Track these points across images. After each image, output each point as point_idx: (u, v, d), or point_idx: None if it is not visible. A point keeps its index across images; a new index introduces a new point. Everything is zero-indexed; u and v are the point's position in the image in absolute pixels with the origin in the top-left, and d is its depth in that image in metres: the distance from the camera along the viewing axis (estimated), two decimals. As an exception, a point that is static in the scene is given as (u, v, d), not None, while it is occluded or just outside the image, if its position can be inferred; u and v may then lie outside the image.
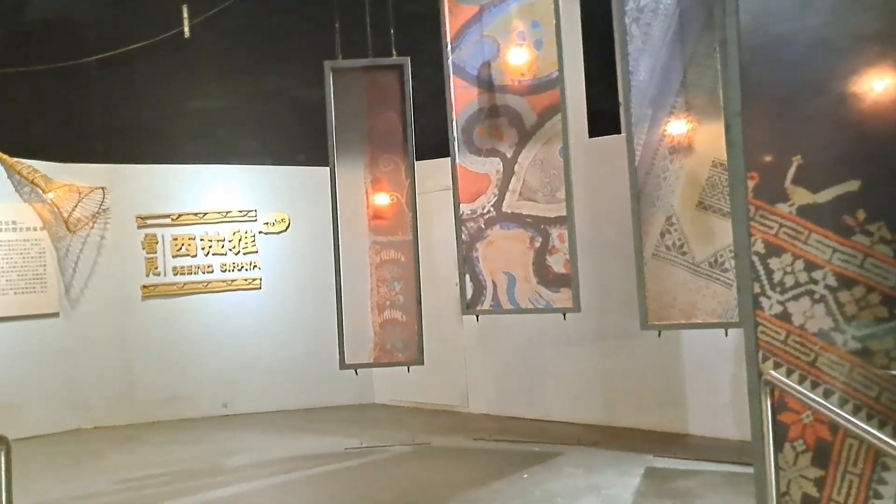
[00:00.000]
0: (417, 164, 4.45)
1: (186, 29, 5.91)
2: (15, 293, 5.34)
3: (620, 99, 3.81)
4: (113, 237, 5.67)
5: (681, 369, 4.39)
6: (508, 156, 4.28)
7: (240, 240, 5.78)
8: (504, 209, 4.28)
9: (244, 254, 5.78)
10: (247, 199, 5.83)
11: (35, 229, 5.45)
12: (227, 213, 5.78)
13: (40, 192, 5.38)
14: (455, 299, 5.40)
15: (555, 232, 4.13)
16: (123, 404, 5.60)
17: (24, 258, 5.39)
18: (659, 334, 3.85)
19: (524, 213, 4.22)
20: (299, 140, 6.28)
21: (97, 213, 5.59)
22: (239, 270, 5.77)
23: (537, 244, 4.19)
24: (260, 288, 5.79)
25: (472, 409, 5.29)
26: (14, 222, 5.36)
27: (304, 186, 5.89)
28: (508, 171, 4.27)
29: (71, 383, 5.50)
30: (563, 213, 4.09)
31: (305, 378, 5.76)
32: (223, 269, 5.75)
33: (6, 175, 5.34)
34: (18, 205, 5.38)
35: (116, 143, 5.96)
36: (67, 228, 5.43)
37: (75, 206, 5.40)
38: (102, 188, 5.53)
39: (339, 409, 5.68)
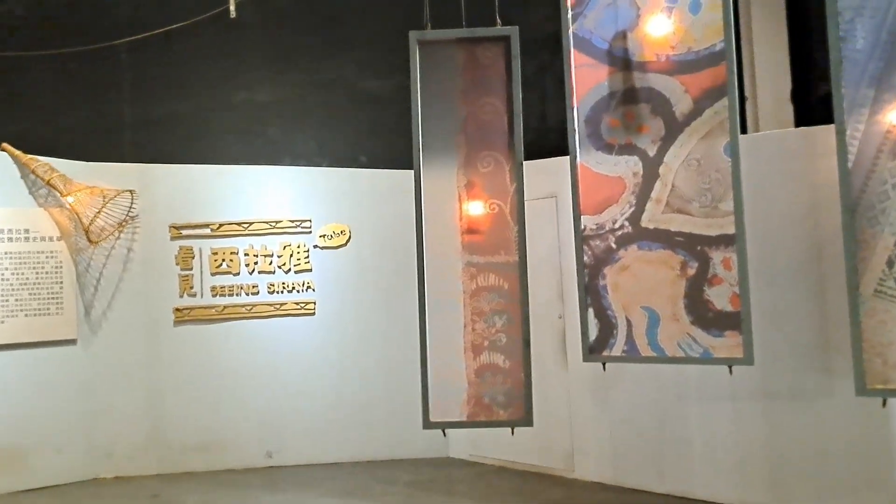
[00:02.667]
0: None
1: (232, 7, 5.01)
2: (26, 315, 4.46)
3: (832, 74, 2.75)
4: (142, 250, 4.77)
5: (890, 443, 3.27)
6: (651, 154, 3.25)
7: (291, 255, 4.84)
8: (644, 224, 3.25)
9: (296, 272, 4.84)
10: (300, 207, 4.89)
11: (51, 239, 4.57)
12: (277, 223, 4.85)
13: (58, 195, 4.51)
14: (559, 335, 4.37)
15: (717, 255, 3.09)
16: (150, 451, 4.68)
17: (37, 273, 4.52)
18: (884, 403, 2.76)
19: (673, 229, 3.19)
20: (363, 138, 5.34)
21: (124, 220, 4.70)
22: (289, 292, 4.82)
23: (691, 271, 3.15)
24: (313, 313, 4.83)
25: (578, 475, 4.23)
26: (27, 231, 4.49)
27: (369, 192, 4.94)
28: (651, 174, 3.25)
29: (89, 424, 4.60)
30: (730, 230, 3.05)
31: (366, 425, 4.78)
32: (270, 291, 4.81)
33: (19, 174, 4.48)
34: (32, 210, 4.51)
35: (149, 139, 5.08)
36: (88, 239, 4.55)
37: (98, 213, 4.51)
38: (131, 191, 4.64)
39: (408, 465, 4.68)
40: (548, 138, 4.59)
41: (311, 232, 4.87)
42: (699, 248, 3.13)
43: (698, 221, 3.14)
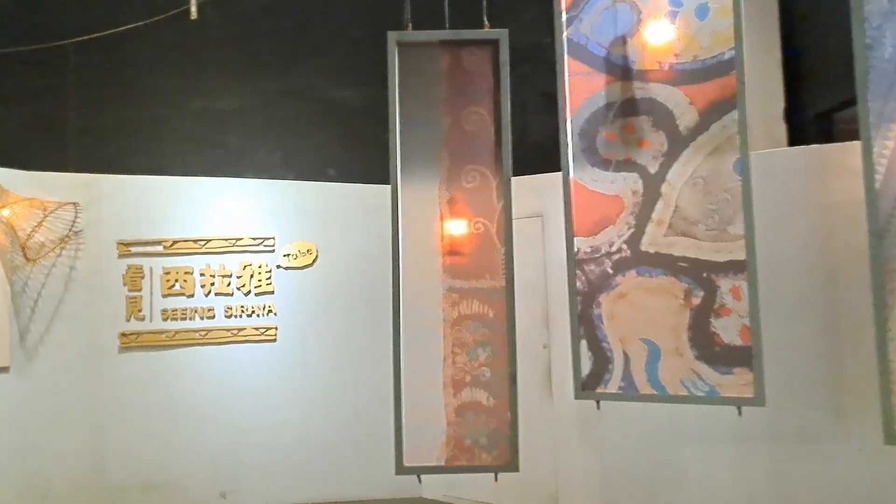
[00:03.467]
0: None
1: (193, 8, 4.64)
2: (-49, 340, 3.98)
3: (858, 85, 2.50)
4: (86, 269, 4.32)
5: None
6: (652, 170, 2.97)
7: (251, 276, 4.44)
8: (644, 247, 2.96)
9: (256, 294, 4.43)
10: (262, 224, 4.50)
11: (-18, 255, 4.11)
12: (237, 240, 4.45)
13: (-9, 206, 4.06)
14: (543, 367, 4.04)
15: (725, 283, 2.81)
16: (91, 491, 4.21)
17: (-35, 293, 4.04)
18: (915, 452, 2.49)
19: (676, 253, 2.90)
20: (333, 151, 4.98)
21: (67, 236, 4.25)
22: (249, 316, 4.41)
23: (696, 300, 2.86)
24: (275, 340, 4.42)
25: (564, 520, 3.88)
26: (-46, 246, 4.02)
27: (339, 209, 4.58)
28: (652, 193, 2.96)
29: (23, 462, 4.12)
30: (740, 255, 2.77)
31: (332, 464, 4.37)
32: (228, 315, 4.39)
33: (-53, 183, 4.02)
34: (-39, 223, 4.04)
35: (96, 147, 4.65)
36: (25, 256, 4.09)
37: (37, 227, 4.06)
38: (74, 204, 4.21)
39: (376, 506, 4.28)
40: (530, 154, 4.30)
41: (274, 251, 4.48)
42: (705, 275, 2.84)
43: (704, 246, 2.85)
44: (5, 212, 4.02)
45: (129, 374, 4.31)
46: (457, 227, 3.14)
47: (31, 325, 4.24)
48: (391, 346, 3.06)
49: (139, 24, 4.74)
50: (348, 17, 5.05)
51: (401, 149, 3.17)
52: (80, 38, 4.60)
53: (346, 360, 4.42)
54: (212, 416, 4.33)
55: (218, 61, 4.99)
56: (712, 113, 2.86)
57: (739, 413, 2.80)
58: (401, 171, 3.16)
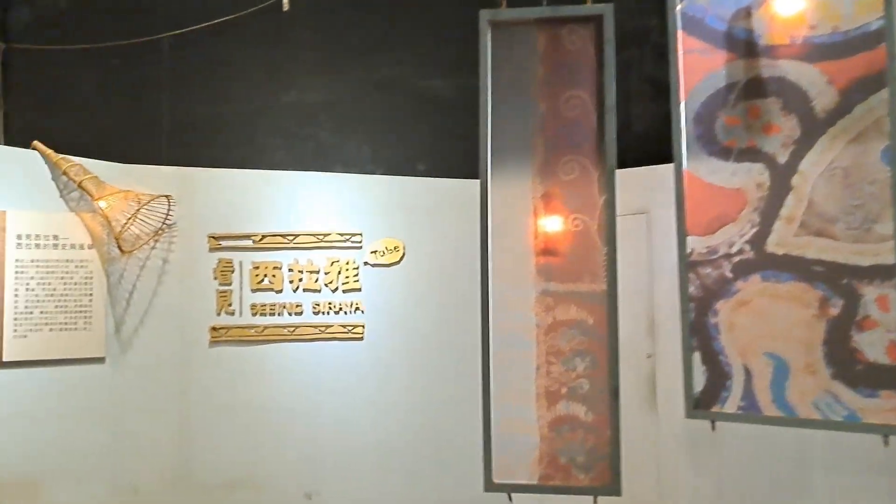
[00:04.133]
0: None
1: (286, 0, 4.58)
2: (51, 329, 4.07)
3: None
4: (178, 262, 4.33)
5: None
6: (781, 160, 2.59)
7: (339, 272, 4.32)
8: (771, 248, 2.58)
9: (344, 291, 4.32)
10: (350, 219, 4.37)
11: (81, 247, 4.18)
12: (325, 235, 4.34)
13: (90, 199, 4.12)
14: (646, 379, 3.70)
15: (870, 292, 2.40)
16: (179, 487, 4.22)
17: (65, 284, 4.13)
18: None
19: (810, 256, 2.51)
20: (422, 144, 4.81)
21: (160, 229, 4.28)
22: (336, 313, 4.30)
23: (834, 310, 2.46)
24: (362, 338, 4.29)
25: (667, 548, 3.54)
26: (55, 237, 4.11)
27: (428, 204, 4.39)
28: (780, 186, 2.58)
29: (114, 454, 4.17)
30: (889, 259, 2.36)
31: (415, 473, 4.19)
32: (315, 311, 4.30)
33: (50, 176, 4.11)
34: (62, 215, 4.13)
35: (189, 140, 4.67)
36: (119, 248, 4.13)
37: (131, 219, 4.09)
38: (167, 197, 4.21)
39: (462, 515, 4.07)
40: (633, 146, 3.96)
41: (361, 247, 4.35)
42: (845, 281, 2.44)
43: (844, 247, 2.45)
44: (102, 203, 4.07)
45: (218, 369, 4.30)
46: (552, 224, 2.87)
47: (126, 317, 4.29)
48: (479, 351, 2.83)
49: (231, 16, 4.72)
50: (440, 5, 4.85)
51: (492, 139, 2.91)
52: (175, 32, 4.63)
53: (434, 363, 4.24)
54: (298, 414, 4.26)
55: (307, 54, 4.92)
56: (856, 93, 2.45)
57: (885, 443, 2.39)
58: (491, 163, 2.91)
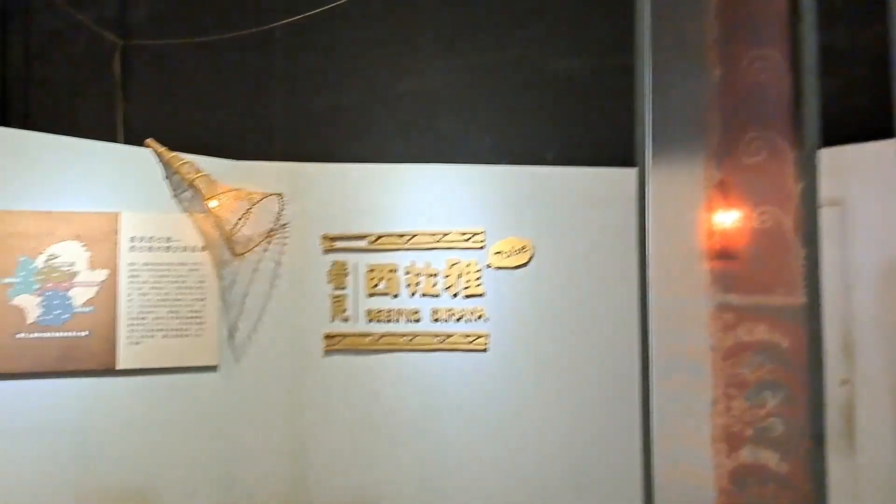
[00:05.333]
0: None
1: (402, -21, 4.19)
2: (164, 336, 3.90)
3: None
4: (291, 264, 4.06)
5: None
6: None
7: (459, 276, 3.89)
8: None
9: (465, 297, 3.88)
10: (471, 216, 3.93)
11: (194, 249, 4.00)
12: (444, 235, 3.92)
13: (201, 198, 3.91)
14: (840, 413, 3.01)
15: None
16: (292, 504, 3.95)
17: (178, 288, 3.95)
18: None
19: None
20: (552, 130, 4.28)
21: (272, 229, 4.02)
22: (457, 321, 3.87)
23: None
24: (485, 349, 3.84)
25: None
26: (168, 239, 3.94)
27: (560, 198, 3.87)
28: None
29: (227, 467, 3.96)
30: None
31: (553, 491, 3.68)
32: (434, 318, 3.89)
33: (163, 175, 3.94)
34: (175, 215, 3.95)
35: (301, 134, 4.40)
36: (231, 250, 3.91)
37: (241, 219, 3.85)
38: (279, 195, 3.94)
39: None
40: (833, 118, 3.25)
41: (483, 247, 3.89)
42: None
43: None
44: (213, 203, 3.86)
45: (332, 379, 4.00)
46: (731, 220, 2.27)
47: (239, 323, 4.07)
48: (636, 377, 2.29)
49: (344, 0, 4.40)
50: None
51: (651, 114, 2.35)
52: (286, 21, 4.37)
53: (573, 386, 3.72)
54: (417, 430, 3.87)
55: (426, 37, 4.51)
56: None
57: None
58: (651, 145, 2.35)
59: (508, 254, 3.84)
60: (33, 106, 4.56)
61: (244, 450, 3.98)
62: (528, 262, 3.83)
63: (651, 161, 2.32)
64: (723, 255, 2.26)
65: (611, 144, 4.10)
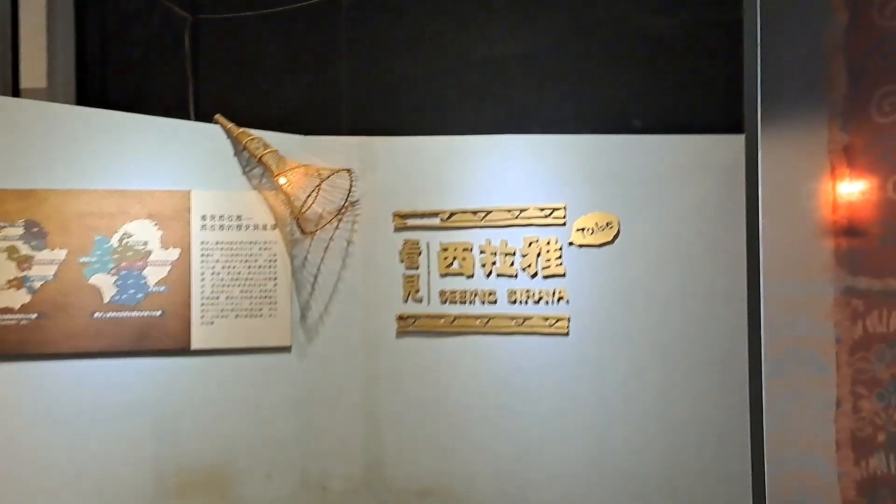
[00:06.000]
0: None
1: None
2: (237, 316, 3.85)
3: None
4: (362, 242, 3.92)
5: None
6: None
7: (538, 254, 3.65)
8: None
9: (544, 277, 3.64)
10: (551, 190, 3.68)
11: (265, 228, 3.91)
12: (521, 211, 3.69)
13: (270, 175, 3.81)
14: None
15: None
16: (369, 489, 3.85)
17: (249, 268, 3.88)
18: None
19: None
20: (638, 95, 3.95)
21: (343, 206, 3.89)
22: (536, 303, 3.64)
23: None
24: (567, 333, 3.60)
25: None
26: (239, 217, 3.87)
27: (651, 168, 3.56)
28: None
29: (302, 449, 3.90)
30: None
31: (645, 496, 3.43)
32: (511, 300, 3.68)
33: (232, 152, 3.86)
34: (245, 193, 3.87)
35: (370, 106, 4.23)
36: (300, 228, 3.80)
37: (310, 195, 3.73)
38: (349, 171, 3.79)
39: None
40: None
41: (565, 223, 3.63)
42: None
43: None
44: (282, 180, 3.75)
45: (405, 362, 3.86)
46: (859, 190, 1.94)
47: (311, 304, 3.98)
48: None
49: (416, -35, 4.18)
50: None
51: (762, 71, 2.04)
52: (355, -12, 4.19)
53: (664, 376, 3.44)
54: (494, 417, 3.69)
55: (499, 0, 4.24)
56: None
57: None
58: (761, 106, 2.04)
59: (592, 230, 3.57)
60: (110, 86, 4.58)
61: (318, 431, 3.91)
62: (613, 240, 3.55)
63: (762, 125, 2.01)
64: (849, 231, 1.92)
65: (706, 109, 3.74)
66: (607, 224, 3.55)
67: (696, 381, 3.38)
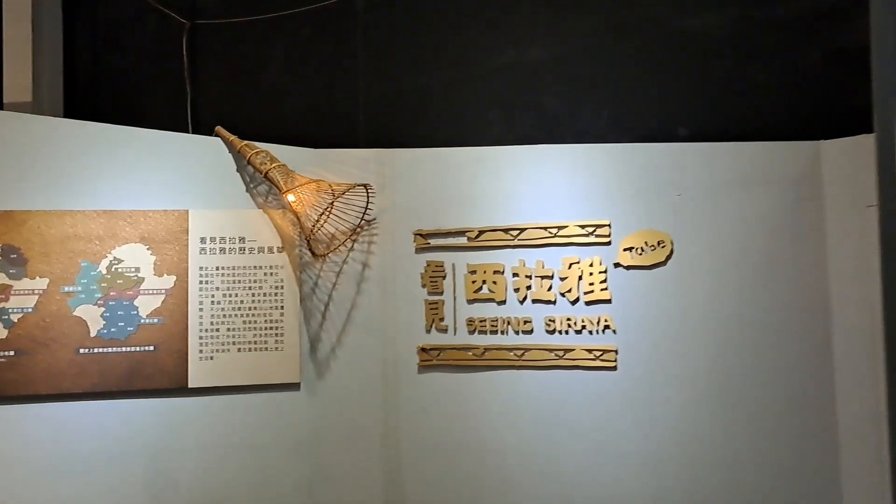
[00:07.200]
0: None
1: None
2: (239, 349, 3.43)
3: None
4: (379, 265, 3.52)
5: None
6: None
7: (580, 277, 3.25)
8: None
9: (587, 303, 3.24)
10: (592, 206, 3.28)
11: (271, 250, 3.51)
12: (560, 228, 3.29)
13: (278, 191, 3.42)
14: None
15: None
16: (385, 544, 3.41)
17: (253, 295, 3.48)
18: None
19: None
20: (684, 100, 3.59)
21: (358, 225, 3.49)
22: (578, 333, 3.23)
23: None
24: (614, 367, 3.18)
25: None
26: (242, 239, 3.47)
27: (707, 179, 3.18)
28: None
29: (313, 498, 3.46)
30: None
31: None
32: (549, 329, 3.26)
33: (234, 167, 3.47)
34: (249, 212, 3.48)
35: (389, 117, 3.85)
36: (311, 251, 3.40)
37: (324, 215, 3.33)
38: (365, 186, 3.40)
39: None
40: None
41: (609, 242, 3.24)
42: None
43: None
44: (291, 197, 3.35)
45: (429, 400, 3.43)
46: None
47: (323, 334, 3.56)
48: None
49: (435, -37, 3.83)
50: None
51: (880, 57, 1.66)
52: (371, -12, 3.84)
53: (720, 411, 3.03)
54: (530, 463, 3.26)
55: (526, 1, 3.88)
56: None
57: None
58: (887, 89, 1.65)
59: (641, 250, 3.17)
60: (101, 98, 4.21)
61: (331, 477, 3.47)
62: (666, 260, 3.15)
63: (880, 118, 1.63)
64: None
65: (763, 113, 3.37)
66: (658, 243, 3.15)
67: (764, 422, 2.96)
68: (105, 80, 4.21)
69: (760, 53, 3.55)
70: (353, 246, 3.53)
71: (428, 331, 3.44)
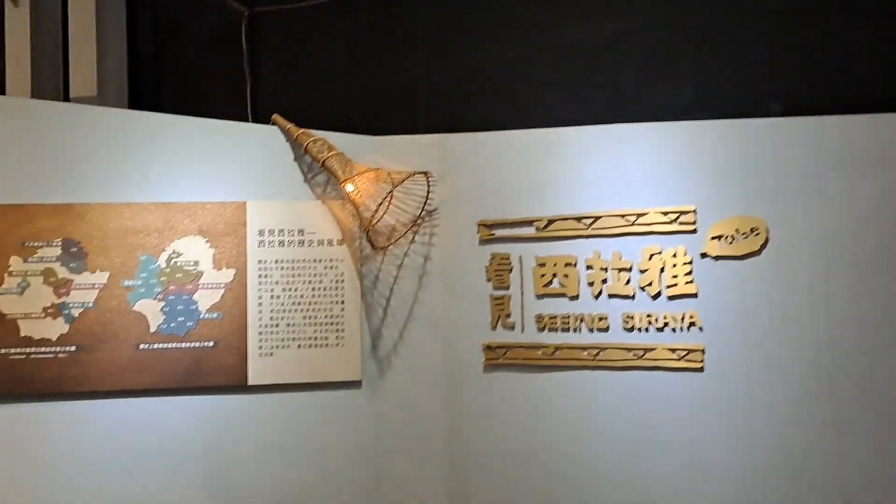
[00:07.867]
0: None
1: None
2: (300, 346, 3.30)
3: None
4: (442, 258, 3.32)
5: None
6: None
7: (661, 269, 2.96)
8: None
9: (670, 298, 2.94)
10: (676, 189, 2.98)
11: (331, 243, 3.36)
12: (639, 216, 3.01)
13: (336, 181, 3.27)
14: None
15: None
16: (450, 552, 3.22)
17: (313, 289, 3.34)
18: None
19: None
20: (774, 73, 3.23)
21: (419, 216, 3.30)
22: (660, 330, 2.95)
23: None
24: (701, 368, 2.88)
25: None
26: (301, 231, 3.34)
27: (803, 161, 2.82)
28: None
29: (374, 498, 3.30)
30: None
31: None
32: (627, 327, 2.99)
33: (292, 156, 3.34)
34: (308, 203, 3.34)
35: (449, 100, 3.65)
36: (371, 243, 3.24)
37: (382, 205, 3.16)
38: (426, 174, 3.20)
39: None
40: None
41: (695, 230, 2.93)
42: None
43: None
44: (349, 187, 3.19)
45: (495, 401, 3.21)
46: None
47: (384, 330, 3.39)
48: None
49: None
50: None
51: None
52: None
53: (824, 416, 2.69)
54: (606, 471, 3.00)
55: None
56: None
57: None
58: None
59: (732, 238, 2.85)
60: (164, 90, 4.18)
61: (393, 479, 3.31)
62: (760, 250, 2.82)
63: None
64: None
65: (862, 84, 2.99)
66: (752, 230, 2.82)
67: (878, 434, 2.60)
68: (168, 71, 4.18)
69: (864, 13, 3.15)
70: (414, 238, 3.35)
71: (493, 328, 3.22)
